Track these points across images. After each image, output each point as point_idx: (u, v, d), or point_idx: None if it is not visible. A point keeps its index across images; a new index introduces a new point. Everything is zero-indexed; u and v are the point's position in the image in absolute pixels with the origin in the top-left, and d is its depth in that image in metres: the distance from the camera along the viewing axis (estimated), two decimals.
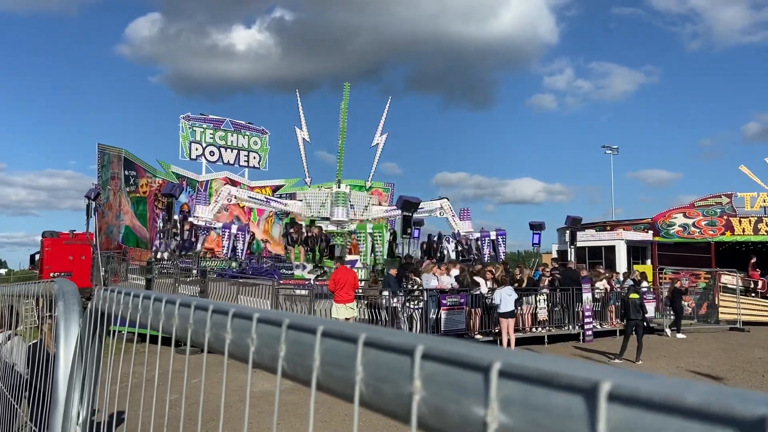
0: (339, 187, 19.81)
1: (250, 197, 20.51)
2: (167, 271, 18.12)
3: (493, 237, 22.79)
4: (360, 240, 20.42)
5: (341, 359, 0.52)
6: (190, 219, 20.43)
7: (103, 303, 1.40)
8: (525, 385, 0.35)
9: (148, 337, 9.86)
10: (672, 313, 18.38)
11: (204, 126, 30.39)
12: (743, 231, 24.75)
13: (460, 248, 21.50)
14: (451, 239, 21.96)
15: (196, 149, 30.00)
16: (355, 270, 15.45)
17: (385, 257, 20.01)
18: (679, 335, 17.40)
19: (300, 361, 0.58)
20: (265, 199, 21.20)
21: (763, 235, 24.65)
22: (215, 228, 19.92)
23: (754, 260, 23.79)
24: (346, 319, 12.55)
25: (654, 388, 0.29)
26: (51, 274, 20.35)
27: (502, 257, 20.85)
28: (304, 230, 18.83)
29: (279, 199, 22.13)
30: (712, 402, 0.28)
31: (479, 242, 22.13)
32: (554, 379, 0.33)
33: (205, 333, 0.81)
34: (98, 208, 22.85)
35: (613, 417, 0.30)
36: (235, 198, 19.89)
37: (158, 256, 19.70)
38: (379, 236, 20.68)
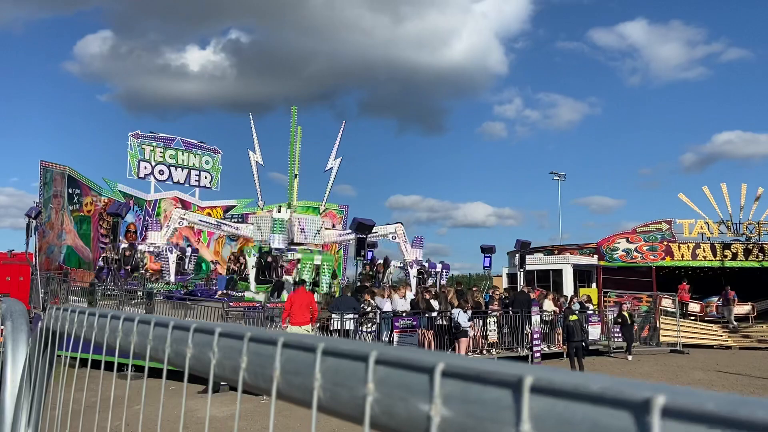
0: (289, 212, 19.52)
1: (201, 220, 20.04)
2: (111, 293, 17.55)
3: (438, 269, 23.02)
4: (303, 269, 19.61)
5: (300, 367, 0.57)
6: (139, 246, 20.05)
7: (55, 322, 1.39)
8: (464, 383, 0.41)
9: (89, 361, 9.50)
10: (620, 337, 18.92)
11: (153, 144, 29.81)
12: (682, 256, 25.84)
13: (423, 276, 21.44)
14: (414, 265, 21.89)
15: (145, 168, 29.35)
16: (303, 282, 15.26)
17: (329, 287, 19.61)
18: (630, 357, 17.93)
19: (261, 371, 0.63)
20: (216, 223, 20.69)
21: (701, 260, 25.79)
22: (161, 253, 19.55)
23: (684, 284, 24.95)
24: None
25: (565, 379, 0.36)
26: None
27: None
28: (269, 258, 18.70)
29: (230, 223, 21.70)
30: (610, 389, 0.34)
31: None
32: (488, 376, 0.39)
33: (165, 349, 0.84)
34: (39, 227, 22.00)
35: (534, 406, 0.37)
36: (186, 221, 19.45)
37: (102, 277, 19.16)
38: (328, 267, 19.97)
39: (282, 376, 0.59)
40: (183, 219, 19.47)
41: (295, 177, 20.91)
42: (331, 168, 22.18)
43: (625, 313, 18.60)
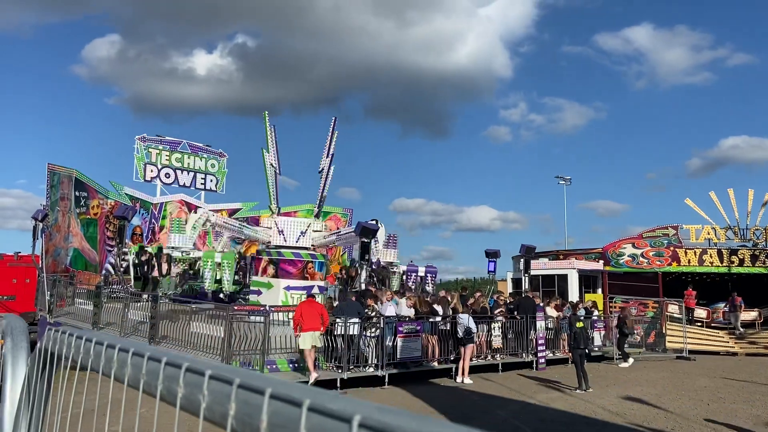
0: (276, 215, 19.22)
1: (225, 222, 19.79)
2: (116, 296, 17.61)
3: (421, 273, 22.04)
4: (205, 267, 19.14)
5: (287, 422, 0.57)
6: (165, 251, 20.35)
7: (54, 344, 1.39)
8: None
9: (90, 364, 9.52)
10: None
11: (160, 147, 29.93)
12: (689, 262, 25.71)
13: (373, 278, 19.88)
14: (365, 266, 19.25)
15: (151, 171, 29.46)
16: (313, 296, 15.13)
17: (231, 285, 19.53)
18: (622, 364, 17.62)
19: (249, 420, 0.62)
20: (238, 226, 20.35)
21: (708, 266, 25.65)
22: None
23: (691, 290, 24.89)
24: (312, 347, 12.27)
25: None
26: None
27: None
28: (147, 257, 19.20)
29: (249, 226, 21.25)
30: None
31: (405, 276, 21.43)
32: None
33: (157, 385, 0.84)
34: (46, 230, 22.09)
35: None
36: (211, 224, 19.21)
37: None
38: (228, 266, 19.61)
39: (269, 428, 0.59)
40: (209, 222, 19.20)
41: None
42: (323, 168, 20.28)
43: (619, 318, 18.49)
